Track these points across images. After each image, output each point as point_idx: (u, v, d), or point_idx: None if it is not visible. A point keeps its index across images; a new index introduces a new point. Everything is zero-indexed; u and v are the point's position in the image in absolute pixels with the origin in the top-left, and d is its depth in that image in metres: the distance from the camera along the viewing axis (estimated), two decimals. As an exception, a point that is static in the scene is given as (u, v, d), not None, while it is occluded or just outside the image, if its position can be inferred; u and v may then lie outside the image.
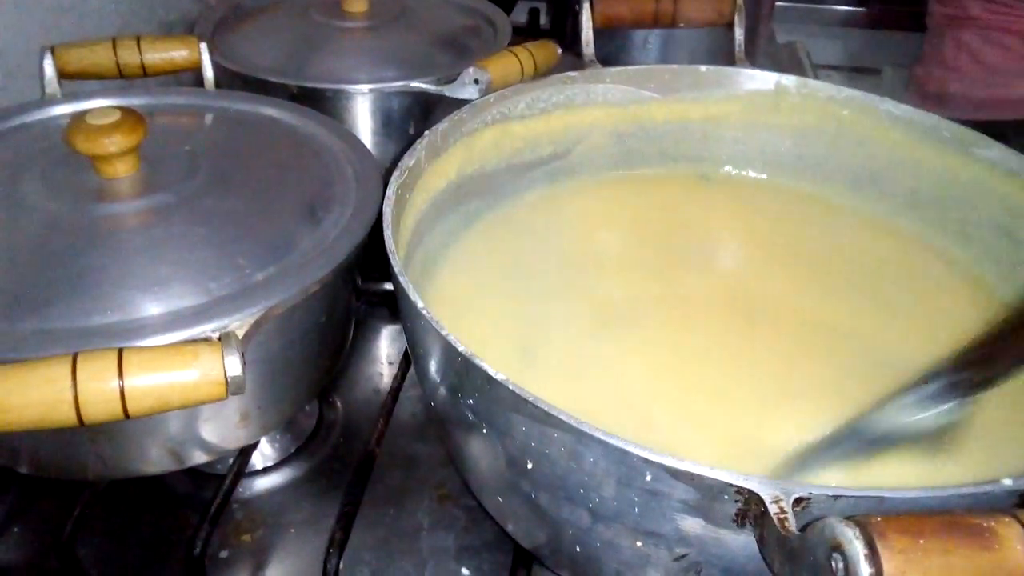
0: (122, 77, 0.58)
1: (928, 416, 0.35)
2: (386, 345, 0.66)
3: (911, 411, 0.36)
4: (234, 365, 0.36)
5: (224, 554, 0.49)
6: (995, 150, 0.54)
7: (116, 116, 0.45)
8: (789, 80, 0.60)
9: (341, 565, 0.45)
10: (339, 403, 0.59)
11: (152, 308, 0.41)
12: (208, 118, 0.57)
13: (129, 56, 0.58)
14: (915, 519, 0.25)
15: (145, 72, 0.59)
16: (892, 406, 0.37)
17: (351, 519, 0.46)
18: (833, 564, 0.25)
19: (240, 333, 0.39)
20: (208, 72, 0.60)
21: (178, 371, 0.35)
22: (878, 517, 0.25)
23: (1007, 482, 0.29)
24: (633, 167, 0.62)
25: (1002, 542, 0.24)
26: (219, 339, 0.37)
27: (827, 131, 0.60)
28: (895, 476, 0.38)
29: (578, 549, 0.38)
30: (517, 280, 0.51)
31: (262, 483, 0.53)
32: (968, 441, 0.38)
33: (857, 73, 1.62)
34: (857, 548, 0.24)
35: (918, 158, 0.57)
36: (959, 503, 0.29)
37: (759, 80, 0.61)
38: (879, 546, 0.24)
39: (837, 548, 0.25)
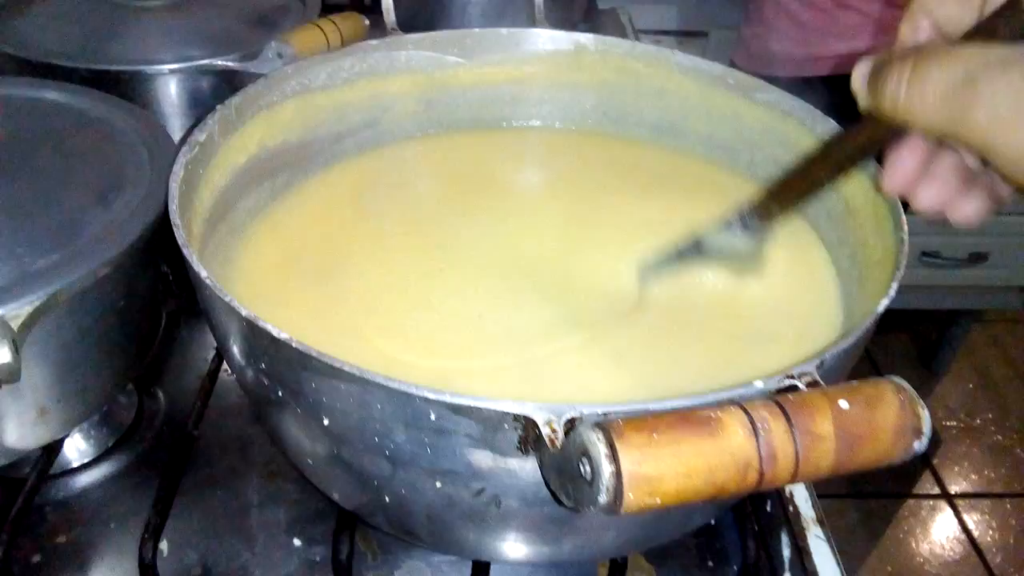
0: None
1: (740, 240, 0.44)
2: (210, 334, 0.64)
3: (728, 234, 0.44)
4: (2, 354, 0.34)
5: (36, 558, 0.46)
6: (773, 94, 0.57)
7: None
8: (587, 38, 0.62)
9: (165, 551, 0.44)
10: (161, 393, 0.57)
11: (-82, 305, 0.39)
12: (-15, 107, 0.54)
13: None
14: (653, 417, 0.27)
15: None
16: (717, 229, 0.44)
17: (168, 503, 0.45)
18: (583, 468, 0.27)
19: (16, 322, 0.37)
20: (-15, 59, 0.57)
21: (-62, 364, 0.33)
22: (620, 420, 0.27)
23: (759, 384, 0.32)
24: (442, 131, 0.63)
25: (725, 428, 0.26)
26: (-14, 328, 0.35)
27: (626, 85, 0.63)
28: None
29: (387, 500, 0.38)
30: (328, 248, 0.51)
31: (79, 481, 0.51)
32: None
33: (685, 37, 1.69)
34: (600, 449, 0.26)
35: (709, 105, 0.61)
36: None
37: (559, 40, 0.62)
38: (617, 445, 0.25)
39: (585, 453, 0.26)
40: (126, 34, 0.69)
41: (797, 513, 0.49)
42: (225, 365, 0.56)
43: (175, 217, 0.40)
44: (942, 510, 1.60)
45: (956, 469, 1.68)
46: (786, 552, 0.48)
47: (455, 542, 0.41)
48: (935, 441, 1.73)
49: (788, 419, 0.27)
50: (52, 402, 0.44)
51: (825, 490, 0.78)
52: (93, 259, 0.42)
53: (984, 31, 0.33)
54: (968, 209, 0.37)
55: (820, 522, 0.49)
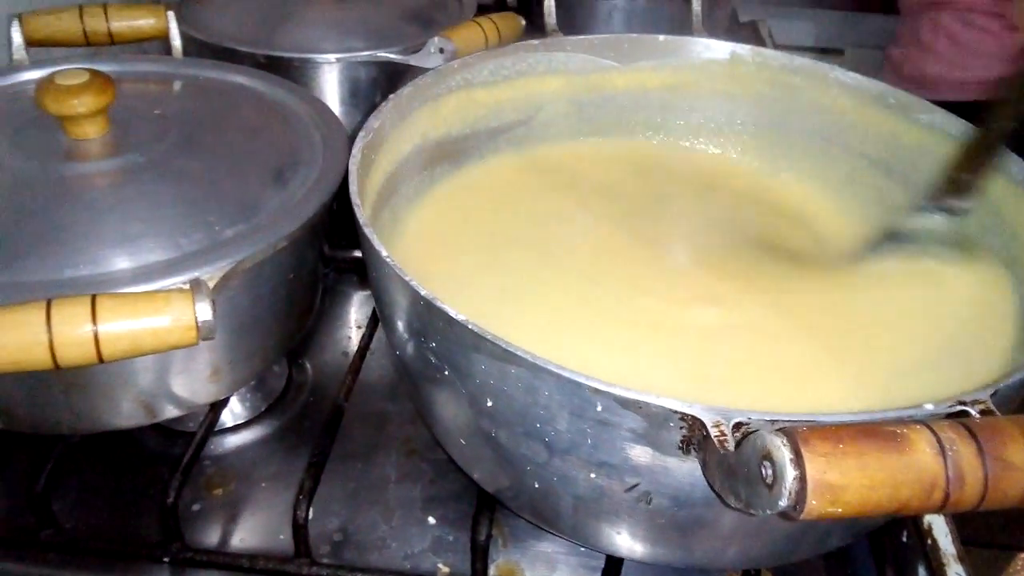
0: (89, 44, 0.59)
1: (939, 222, 0.46)
2: (354, 311, 0.67)
3: (925, 218, 0.47)
4: (204, 311, 0.37)
5: (196, 507, 0.50)
6: (937, 115, 0.56)
7: (85, 77, 0.46)
8: (743, 49, 0.62)
9: (311, 515, 0.46)
10: (308, 365, 0.61)
11: (123, 262, 0.42)
12: (177, 85, 0.58)
13: (96, 24, 0.58)
14: (837, 428, 0.27)
15: (112, 40, 0.59)
16: (911, 215, 0.47)
17: (320, 468, 0.47)
18: (763, 471, 0.27)
19: (211, 284, 0.40)
20: (176, 40, 0.61)
21: (150, 317, 0.36)
22: (803, 427, 0.27)
23: (928, 407, 0.31)
24: (593, 134, 0.64)
25: (912, 445, 0.26)
26: (190, 287, 0.38)
27: (780, 99, 0.63)
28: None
29: (536, 486, 0.39)
30: (479, 238, 0.52)
31: (233, 440, 0.55)
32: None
33: (820, 54, 1.65)
34: (784, 454, 0.26)
35: (866, 123, 0.60)
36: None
37: (715, 49, 0.63)
38: (803, 451, 0.26)
39: (767, 456, 0.27)
40: (296, 23, 0.73)
41: (936, 547, 0.47)
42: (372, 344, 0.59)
43: (356, 197, 0.42)
44: (1061, 568, 1.51)
45: (1081, 526, 1.57)
46: (924, 585, 0.47)
47: (596, 535, 0.41)
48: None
49: (977, 443, 0.26)
50: (224, 363, 0.47)
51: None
52: (273, 232, 0.45)
53: None
54: None
55: (961, 559, 0.47)
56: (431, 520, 0.50)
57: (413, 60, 0.66)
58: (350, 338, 0.64)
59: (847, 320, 0.48)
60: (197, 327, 0.37)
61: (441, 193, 0.57)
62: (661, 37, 0.62)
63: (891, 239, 0.50)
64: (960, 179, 0.46)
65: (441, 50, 0.65)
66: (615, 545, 0.42)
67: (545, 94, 0.62)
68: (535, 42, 0.60)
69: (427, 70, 0.60)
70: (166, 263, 0.42)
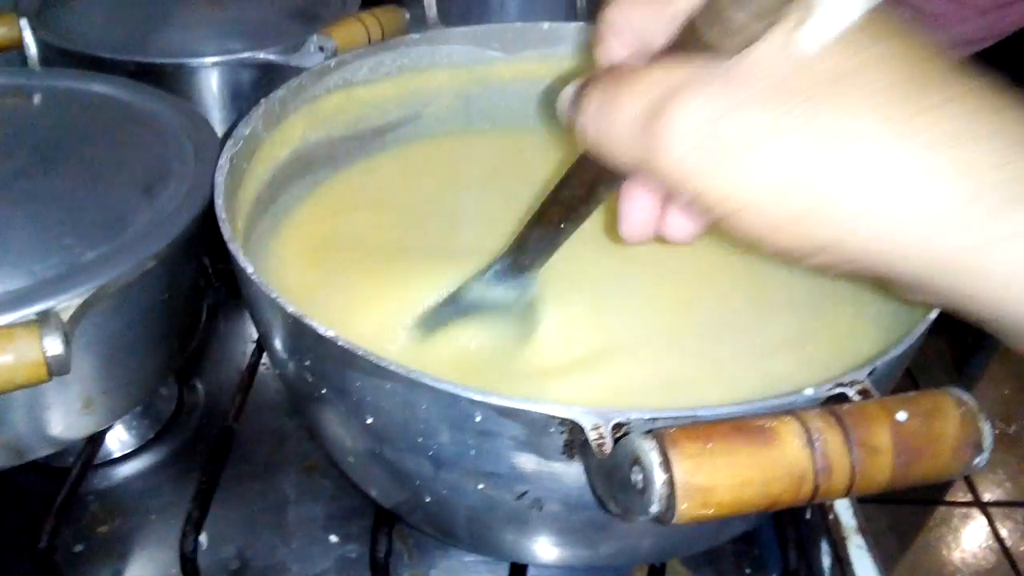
0: (-66, 58, 0.55)
1: (502, 292, 0.42)
2: (249, 326, 0.64)
3: (490, 286, 0.42)
4: (54, 345, 0.35)
5: (79, 547, 0.47)
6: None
7: (-83, 95, 0.42)
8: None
9: (204, 544, 0.44)
10: (200, 386, 0.58)
11: (-33, 295, 0.39)
12: (33, 98, 0.55)
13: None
14: (707, 426, 0.26)
15: (-40, 52, 0.55)
16: (476, 281, 0.42)
17: (209, 496, 0.45)
18: (634, 476, 0.26)
19: (65, 314, 0.38)
20: (31, 50, 0.58)
21: (-9, 355, 0.34)
22: (673, 428, 0.26)
23: (808, 391, 0.31)
24: (483, 128, 0.62)
25: (781, 438, 0.25)
26: (36, 320, 0.36)
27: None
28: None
29: (428, 500, 0.38)
30: (365, 242, 0.50)
31: (120, 471, 0.52)
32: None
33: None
34: (652, 459, 0.25)
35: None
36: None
37: (601, 35, 0.62)
38: (670, 454, 0.25)
39: (637, 461, 0.26)
40: (169, 27, 0.69)
41: (837, 521, 0.48)
42: (264, 359, 0.56)
43: (221, 212, 0.40)
44: (975, 518, 1.58)
45: (990, 477, 1.65)
46: (826, 561, 0.47)
47: (494, 544, 0.40)
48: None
49: (844, 430, 0.26)
50: (98, 393, 0.44)
51: (860, 496, 0.76)
52: (140, 252, 0.42)
53: (685, 44, 0.26)
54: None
55: (862, 531, 0.48)
56: (333, 538, 0.48)
57: (293, 60, 0.63)
58: (244, 354, 0.61)
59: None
60: (46, 363, 0.34)
61: (325, 197, 0.55)
62: (545, 25, 0.61)
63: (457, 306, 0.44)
64: (521, 257, 0.40)
65: (321, 48, 0.62)
66: (515, 552, 0.41)
67: (430, 89, 0.60)
68: (416, 36, 0.58)
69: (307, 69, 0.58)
70: (15, 294, 0.39)
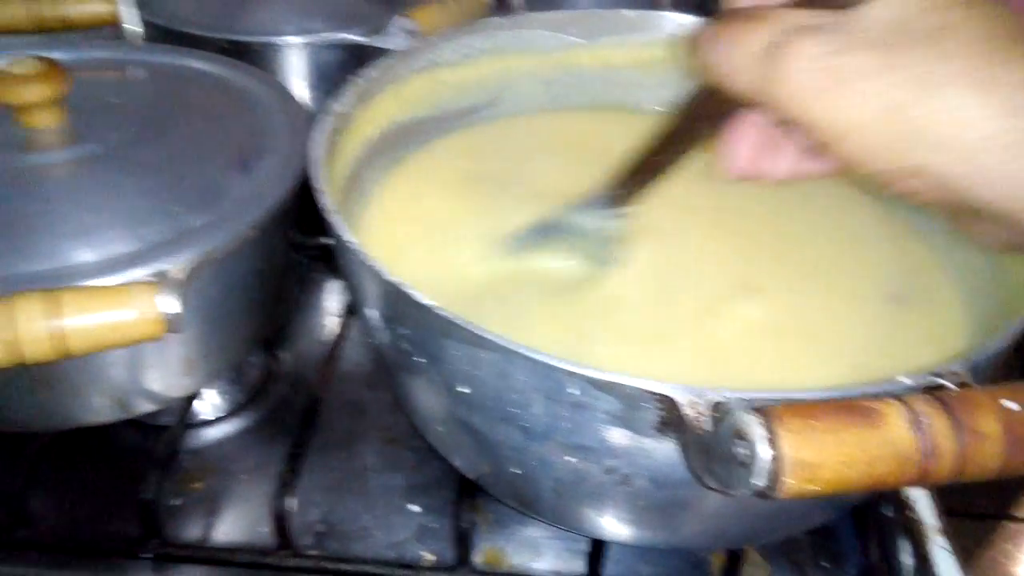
0: (41, 32, 0.57)
1: (597, 222, 0.45)
2: (331, 298, 0.66)
3: (588, 215, 0.46)
4: (171, 303, 0.36)
5: (176, 502, 0.49)
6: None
7: (36, 66, 0.44)
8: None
9: (293, 506, 0.46)
10: (285, 355, 0.60)
11: (86, 255, 0.41)
12: (136, 72, 0.57)
13: (47, 10, 0.57)
14: (811, 406, 0.27)
15: (67, 26, 0.58)
16: (578, 208, 0.46)
17: (300, 459, 0.47)
18: (739, 450, 0.27)
19: (179, 276, 0.40)
20: (129, 26, 0.60)
21: (115, 310, 0.36)
22: (778, 405, 0.27)
23: (904, 379, 0.31)
24: (562, 111, 0.63)
25: (887, 420, 0.26)
26: (155, 280, 0.37)
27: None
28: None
29: (516, 471, 0.39)
30: (447, 215, 0.52)
31: (211, 433, 0.54)
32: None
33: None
34: (758, 432, 0.26)
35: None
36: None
37: (682, 23, 0.62)
38: (776, 429, 0.26)
39: (741, 435, 0.27)
40: (258, 7, 0.71)
41: (918, 520, 0.48)
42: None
43: (318, 183, 0.42)
44: (1046, 534, 1.53)
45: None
46: (907, 560, 0.47)
47: (577, 518, 0.41)
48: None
49: (951, 415, 0.26)
50: (197, 356, 0.46)
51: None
52: (241, 221, 0.44)
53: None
54: (816, 165, 0.36)
55: (943, 532, 0.47)
56: (414, 508, 0.50)
57: (377, 41, 0.64)
58: (326, 326, 0.63)
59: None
60: (163, 320, 0.36)
61: (408, 172, 0.56)
62: (628, 12, 0.61)
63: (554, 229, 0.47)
64: (624, 191, 0.43)
65: (405, 30, 0.63)
66: (598, 528, 0.42)
67: (512, 72, 0.61)
68: (502, 20, 0.59)
69: (390, 51, 0.60)
70: (130, 255, 0.41)
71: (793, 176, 0.37)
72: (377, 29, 0.65)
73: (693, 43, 0.33)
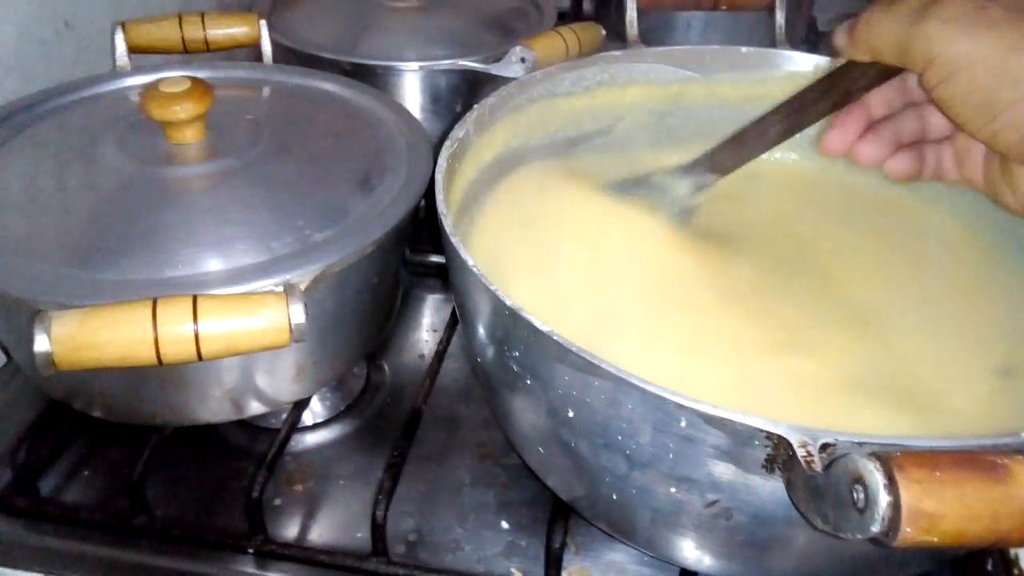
0: (186, 52, 0.62)
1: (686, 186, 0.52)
2: (430, 314, 0.68)
3: (680, 177, 0.52)
4: (298, 313, 0.39)
5: (278, 501, 0.52)
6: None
7: (187, 85, 0.48)
8: (828, 62, 0.61)
9: (388, 514, 0.47)
10: (386, 367, 0.62)
11: (218, 264, 0.44)
12: (268, 91, 0.60)
13: (194, 32, 0.61)
14: (932, 455, 0.26)
15: (208, 47, 0.62)
16: (674, 170, 0.53)
17: (399, 469, 0.49)
18: (855, 495, 0.27)
19: (301, 287, 0.42)
20: (267, 48, 0.63)
21: (246, 317, 0.38)
22: (897, 452, 0.27)
23: (1025, 435, 0.31)
24: (672, 146, 0.63)
25: (1014, 476, 0.25)
26: (284, 290, 0.40)
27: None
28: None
29: (614, 497, 0.40)
30: (551, 245, 0.53)
31: (312, 438, 0.56)
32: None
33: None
34: (877, 479, 0.26)
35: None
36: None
37: (798, 62, 0.62)
38: (897, 477, 0.25)
39: (859, 480, 0.27)
40: (379, 32, 0.74)
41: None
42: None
43: (442, 206, 0.43)
44: None
45: None
46: (1008, 616, 0.45)
47: (670, 547, 0.41)
48: None
49: (1082, 477, 0.26)
50: (309, 363, 0.48)
51: None
52: (361, 238, 0.46)
53: None
54: (899, 166, 0.46)
55: (1048, 591, 0.46)
56: (504, 524, 0.51)
57: (494, 69, 0.66)
58: (426, 341, 0.65)
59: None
60: (290, 329, 0.38)
61: (520, 198, 0.57)
62: (744, 49, 0.62)
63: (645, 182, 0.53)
64: (726, 158, 0.50)
65: (523, 59, 0.65)
66: (689, 559, 0.42)
67: (625, 105, 0.62)
68: (618, 53, 0.60)
69: (507, 79, 0.61)
70: (258, 265, 0.43)
71: (877, 165, 0.46)
72: (496, 57, 0.67)
73: (849, 24, 0.41)
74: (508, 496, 0.52)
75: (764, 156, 0.51)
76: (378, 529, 0.46)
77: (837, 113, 0.46)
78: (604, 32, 0.71)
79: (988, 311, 0.50)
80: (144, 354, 0.37)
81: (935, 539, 0.25)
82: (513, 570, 0.48)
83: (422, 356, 0.63)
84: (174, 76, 0.49)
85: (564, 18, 0.85)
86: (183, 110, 0.47)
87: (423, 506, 0.52)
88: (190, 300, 0.38)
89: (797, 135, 0.49)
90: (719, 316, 0.47)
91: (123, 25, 0.60)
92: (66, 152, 0.51)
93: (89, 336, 0.36)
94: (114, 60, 0.60)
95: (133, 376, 0.44)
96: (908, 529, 0.25)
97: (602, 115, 0.61)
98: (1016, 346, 0.47)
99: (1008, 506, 0.25)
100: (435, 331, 0.66)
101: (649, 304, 0.48)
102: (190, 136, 0.49)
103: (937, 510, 0.25)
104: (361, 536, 0.50)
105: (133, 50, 0.61)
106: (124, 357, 0.37)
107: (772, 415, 0.32)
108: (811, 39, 1.10)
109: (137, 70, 0.60)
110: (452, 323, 0.61)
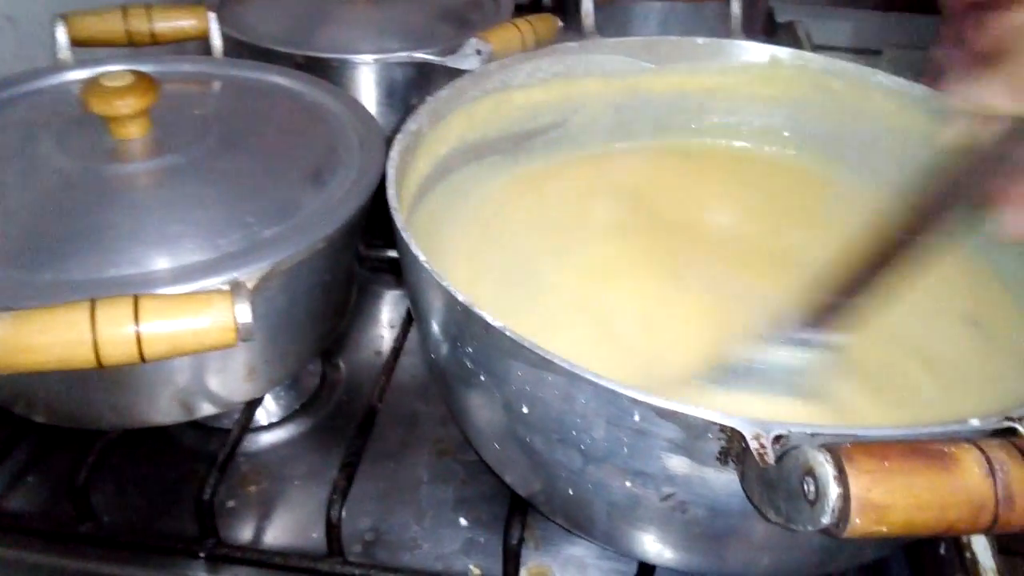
0: (131, 45, 0.60)
1: (797, 356, 0.39)
2: (387, 310, 0.67)
3: (783, 348, 0.40)
4: (244, 312, 0.38)
5: (231, 503, 0.51)
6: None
7: (129, 79, 0.46)
8: (783, 52, 0.62)
9: (344, 514, 0.47)
10: (342, 364, 0.61)
11: (164, 262, 0.43)
12: (216, 85, 0.59)
13: (139, 24, 0.59)
14: (882, 445, 0.26)
15: (154, 40, 0.60)
16: (756, 348, 0.40)
17: (354, 468, 0.48)
18: (805, 487, 0.27)
19: (249, 285, 0.41)
20: (216, 41, 0.62)
21: (191, 317, 0.37)
22: (848, 444, 0.26)
23: (974, 422, 0.31)
24: (627, 138, 0.63)
25: (961, 465, 0.25)
26: (230, 288, 0.39)
27: (820, 102, 0.62)
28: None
29: (571, 492, 0.39)
30: (511, 241, 0.52)
31: (266, 438, 0.55)
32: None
33: (857, 54, 1.62)
34: (827, 471, 0.26)
35: (908, 128, 0.59)
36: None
37: (754, 52, 0.62)
38: (847, 468, 0.25)
39: (809, 472, 0.26)
40: (333, 24, 0.73)
41: (975, 560, 0.47)
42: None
43: (393, 201, 0.42)
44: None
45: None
46: (961, 599, 0.46)
47: (628, 541, 0.41)
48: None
49: (1027, 463, 0.26)
50: (260, 362, 0.47)
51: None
52: (312, 233, 0.45)
53: None
54: None
55: (999, 573, 0.46)
56: (463, 521, 0.50)
57: (449, 61, 0.66)
58: (382, 337, 0.64)
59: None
60: (236, 329, 0.37)
61: (475, 193, 0.57)
62: (700, 40, 0.62)
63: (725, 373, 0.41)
64: (831, 304, 0.37)
65: (478, 51, 0.64)
66: (648, 552, 0.42)
67: (582, 96, 0.61)
68: (574, 44, 0.60)
69: (463, 71, 0.61)
70: (205, 263, 0.42)
71: None
72: (450, 49, 0.67)
73: (949, 94, 0.37)
74: (466, 492, 0.52)
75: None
76: (333, 529, 0.46)
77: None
78: (561, 24, 0.70)
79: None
80: (83, 357, 0.35)
81: (884, 529, 0.25)
82: (472, 567, 0.48)
83: (379, 353, 0.62)
84: (116, 70, 0.48)
85: (521, 9, 0.84)
86: (125, 105, 0.46)
87: (380, 504, 0.51)
88: (131, 300, 0.37)
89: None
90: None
91: (64, 17, 0.58)
92: (3, 149, 0.49)
93: (25, 339, 0.35)
94: (55, 53, 0.58)
95: (76, 378, 0.43)
96: (858, 520, 0.25)
97: (558, 107, 0.61)
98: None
99: (955, 496, 0.25)
100: (392, 327, 0.65)
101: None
102: (134, 132, 0.48)
103: (886, 501, 0.25)
104: (316, 537, 0.49)
105: (76, 43, 0.59)
106: (63, 360, 0.35)
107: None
108: (768, 29, 1.11)
109: (79, 64, 0.58)
110: (409, 319, 0.60)
